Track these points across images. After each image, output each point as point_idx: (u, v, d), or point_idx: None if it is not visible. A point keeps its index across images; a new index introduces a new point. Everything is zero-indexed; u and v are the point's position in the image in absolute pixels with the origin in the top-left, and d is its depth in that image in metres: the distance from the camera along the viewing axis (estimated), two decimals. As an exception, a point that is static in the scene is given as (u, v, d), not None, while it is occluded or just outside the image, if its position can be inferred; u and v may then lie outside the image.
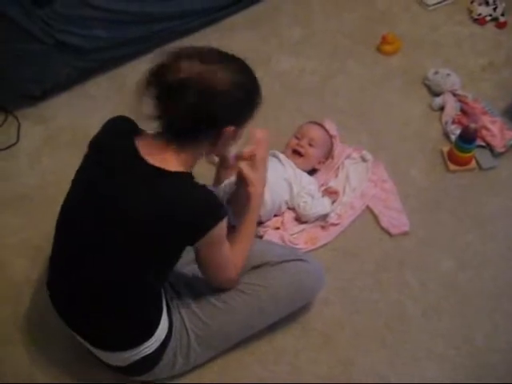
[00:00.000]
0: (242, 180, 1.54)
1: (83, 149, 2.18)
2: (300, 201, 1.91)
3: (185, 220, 1.26)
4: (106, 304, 1.36)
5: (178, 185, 1.28)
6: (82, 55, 2.30)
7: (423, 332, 1.69)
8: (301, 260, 1.60)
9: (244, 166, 1.51)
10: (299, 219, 1.94)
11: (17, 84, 2.25)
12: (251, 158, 1.51)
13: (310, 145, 2.00)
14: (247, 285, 1.54)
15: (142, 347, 1.39)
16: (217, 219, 1.30)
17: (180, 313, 1.49)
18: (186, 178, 1.30)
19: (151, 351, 1.41)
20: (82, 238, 1.34)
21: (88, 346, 1.45)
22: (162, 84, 1.25)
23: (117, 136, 1.37)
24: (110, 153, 1.34)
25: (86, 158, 1.41)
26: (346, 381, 1.61)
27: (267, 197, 1.85)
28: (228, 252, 1.42)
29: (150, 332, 1.40)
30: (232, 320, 1.52)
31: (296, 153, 1.99)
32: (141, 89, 1.28)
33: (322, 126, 2.07)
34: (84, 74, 2.42)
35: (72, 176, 2.06)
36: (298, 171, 1.97)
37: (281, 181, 1.91)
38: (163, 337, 1.43)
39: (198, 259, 1.41)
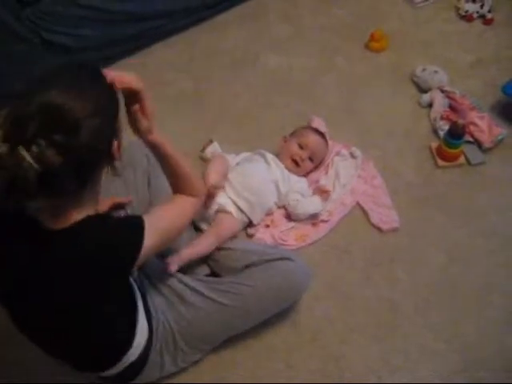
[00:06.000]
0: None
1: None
2: (290, 199, 1.91)
3: (116, 260, 1.19)
4: (75, 335, 1.28)
5: (92, 232, 1.16)
6: (70, 54, 2.29)
7: (414, 327, 1.70)
8: (286, 259, 1.59)
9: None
10: (289, 217, 1.94)
11: (3, 83, 2.23)
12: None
13: (310, 159, 2.00)
14: (233, 284, 1.54)
15: (122, 360, 1.37)
16: (139, 241, 1.20)
17: (164, 313, 1.47)
18: (95, 221, 1.18)
19: (135, 358, 1.39)
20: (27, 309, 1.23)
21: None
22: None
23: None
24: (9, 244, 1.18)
25: None
26: (339, 376, 1.61)
27: (254, 201, 1.84)
28: (173, 210, 1.36)
29: (126, 347, 1.36)
30: (218, 319, 1.51)
31: (295, 162, 1.99)
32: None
33: (324, 136, 2.06)
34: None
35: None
36: (286, 171, 1.97)
37: (267, 183, 1.90)
38: (143, 342, 1.40)
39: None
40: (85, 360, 1.37)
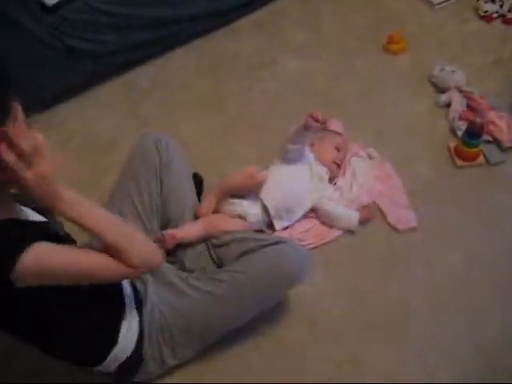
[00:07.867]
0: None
1: (93, 153, 2.25)
2: (323, 203, 1.91)
3: None
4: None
5: None
6: (92, 60, 2.35)
7: (431, 327, 1.68)
8: (281, 242, 1.55)
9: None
10: (307, 216, 1.94)
11: (27, 90, 2.29)
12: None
13: (345, 156, 2.05)
14: (226, 272, 1.52)
15: (110, 356, 1.37)
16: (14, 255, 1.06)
17: (159, 307, 1.47)
18: None
19: (129, 354, 1.40)
20: None
21: None
22: None
23: None
24: None
25: None
26: (353, 378, 1.60)
27: (284, 216, 1.85)
28: (90, 257, 1.20)
29: (111, 342, 1.37)
30: (213, 310, 1.49)
31: (337, 165, 2.01)
32: None
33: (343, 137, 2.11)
34: (94, 79, 2.46)
35: (81, 180, 2.11)
36: (326, 182, 1.97)
37: (304, 203, 1.90)
38: (134, 339, 1.41)
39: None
40: (69, 355, 1.37)
